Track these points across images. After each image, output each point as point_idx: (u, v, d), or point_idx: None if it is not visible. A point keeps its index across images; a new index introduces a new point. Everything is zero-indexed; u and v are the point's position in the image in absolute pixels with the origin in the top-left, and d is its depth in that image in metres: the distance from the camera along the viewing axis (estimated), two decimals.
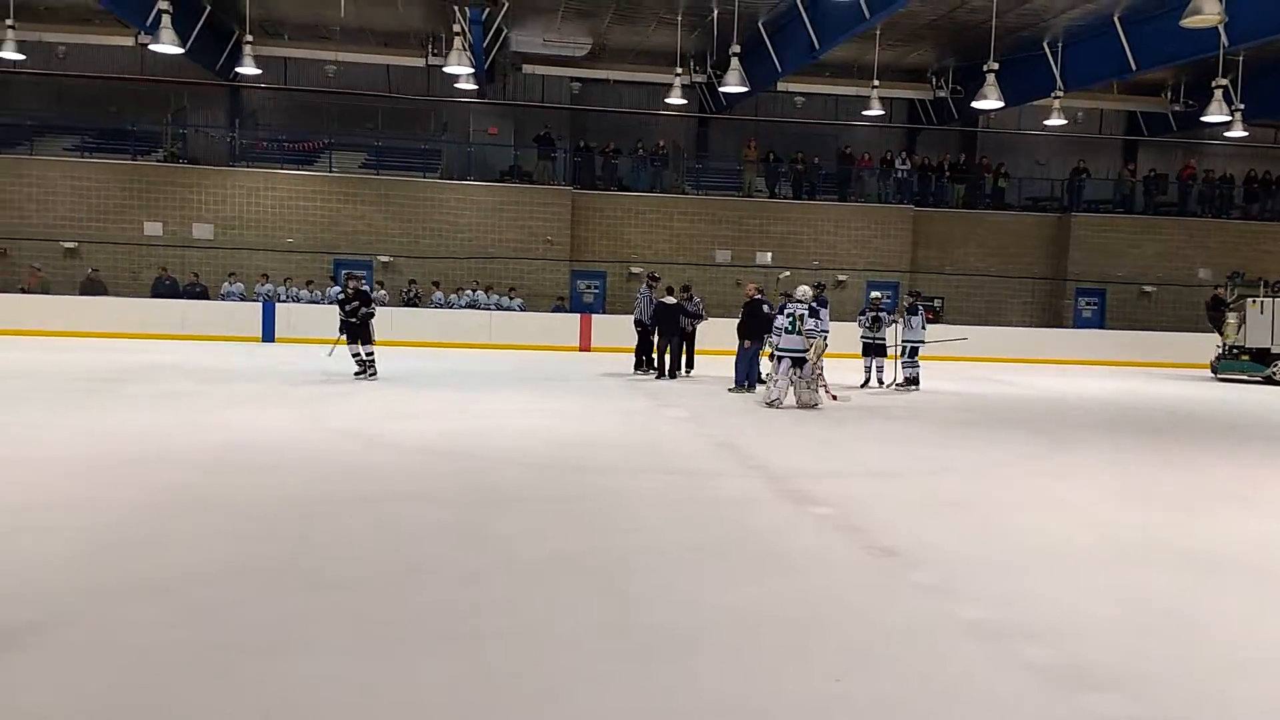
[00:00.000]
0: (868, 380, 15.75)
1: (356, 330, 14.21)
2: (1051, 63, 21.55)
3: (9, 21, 18.24)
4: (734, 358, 14.58)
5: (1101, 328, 26.17)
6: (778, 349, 12.73)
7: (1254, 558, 5.93)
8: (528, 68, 25.55)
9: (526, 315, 23.24)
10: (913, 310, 15.94)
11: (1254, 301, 19.64)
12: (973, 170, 27.89)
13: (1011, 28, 20.58)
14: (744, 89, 19.08)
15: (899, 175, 27.16)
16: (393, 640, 4.04)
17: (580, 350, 22.08)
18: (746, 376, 14.30)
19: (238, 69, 22.08)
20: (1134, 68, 19.98)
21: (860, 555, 5.65)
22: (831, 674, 3.86)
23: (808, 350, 12.51)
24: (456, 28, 18.31)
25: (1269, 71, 21.81)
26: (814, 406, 12.50)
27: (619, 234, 25.62)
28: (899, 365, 15.77)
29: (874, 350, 15.80)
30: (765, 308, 15.07)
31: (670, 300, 15.72)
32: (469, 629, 4.25)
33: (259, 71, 21.39)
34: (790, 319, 12.56)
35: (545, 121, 26.58)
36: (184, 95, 25.96)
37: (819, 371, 12.74)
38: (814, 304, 13.03)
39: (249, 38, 19.95)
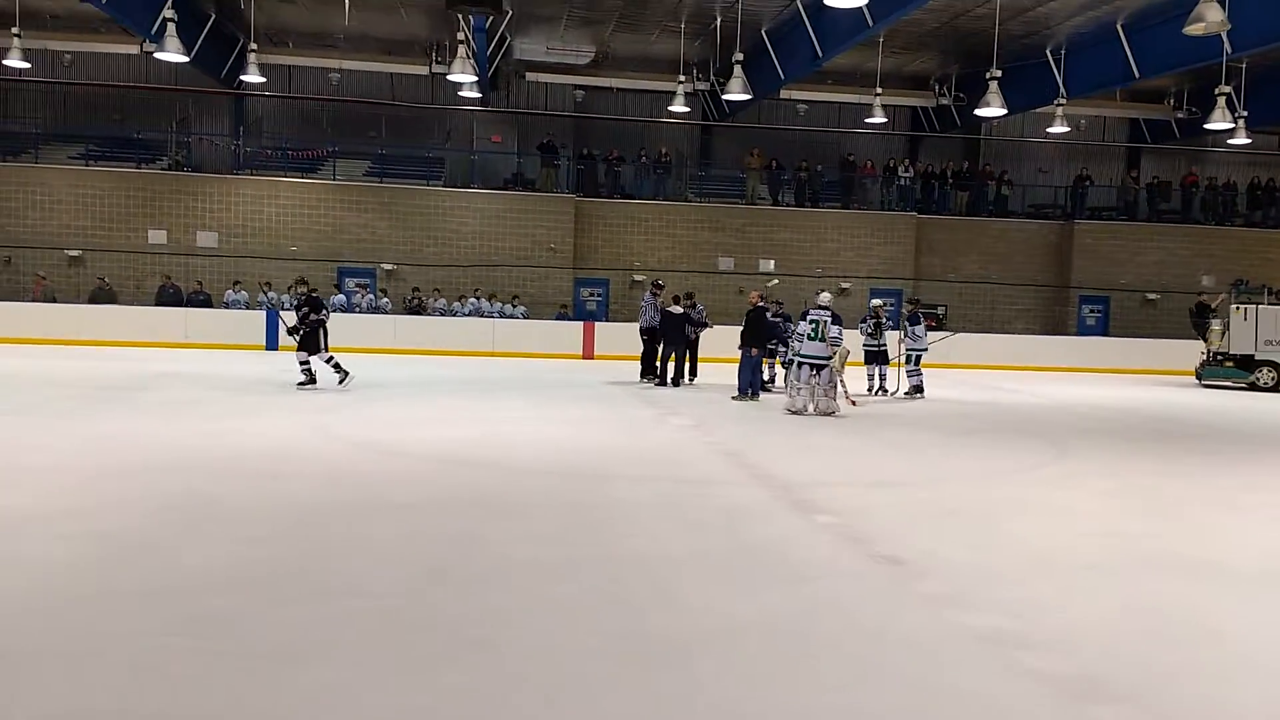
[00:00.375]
0: (871, 387, 15.75)
1: (305, 338, 13.65)
2: (1054, 70, 21.57)
3: (15, 30, 18.32)
4: (736, 365, 14.58)
5: (1105, 335, 26.13)
6: (799, 355, 12.79)
7: (1260, 565, 5.92)
8: (531, 75, 25.63)
9: (530, 323, 23.26)
10: (913, 319, 15.99)
11: (1238, 309, 19.75)
12: (976, 177, 27.90)
13: (1014, 35, 20.60)
14: (747, 96, 19.10)
15: (902, 182, 27.16)
16: (401, 647, 4.05)
17: (583, 358, 22.08)
18: (750, 384, 14.29)
19: (242, 77, 22.18)
20: (1137, 75, 19.99)
21: (865, 564, 5.64)
22: (836, 683, 3.86)
23: (831, 357, 12.55)
24: (460, 36, 18.36)
25: (1272, 78, 21.82)
26: (832, 414, 12.55)
27: (622, 241, 25.64)
28: (902, 373, 15.80)
29: (876, 357, 15.81)
30: (769, 315, 15.13)
31: (676, 309, 15.74)
32: (476, 636, 4.25)
33: (263, 80, 21.47)
34: (814, 325, 12.63)
35: (549, 129, 26.63)
36: (189, 103, 26.07)
37: (840, 378, 12.78)
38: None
39: (254, 46, 20.02)
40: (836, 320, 12.80)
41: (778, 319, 15.82)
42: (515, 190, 25.56)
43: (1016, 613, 4.81)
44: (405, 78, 25.62)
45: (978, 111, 18.82)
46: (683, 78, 21.90)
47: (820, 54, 19.43)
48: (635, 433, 10.93)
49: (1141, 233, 27.07)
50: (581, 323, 23.14)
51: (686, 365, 16.11)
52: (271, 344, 21.23)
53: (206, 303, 22.59)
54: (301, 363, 13.64)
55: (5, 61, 18.83)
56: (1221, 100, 18.32)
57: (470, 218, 24.74)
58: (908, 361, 15.79)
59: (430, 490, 7.34)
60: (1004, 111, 18.40)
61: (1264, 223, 27.74)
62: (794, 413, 12.61)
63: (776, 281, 19.05)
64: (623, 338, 20.19)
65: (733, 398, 14.22)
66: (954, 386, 17.52)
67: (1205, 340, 20.45)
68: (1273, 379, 19.26)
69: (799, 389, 12.76)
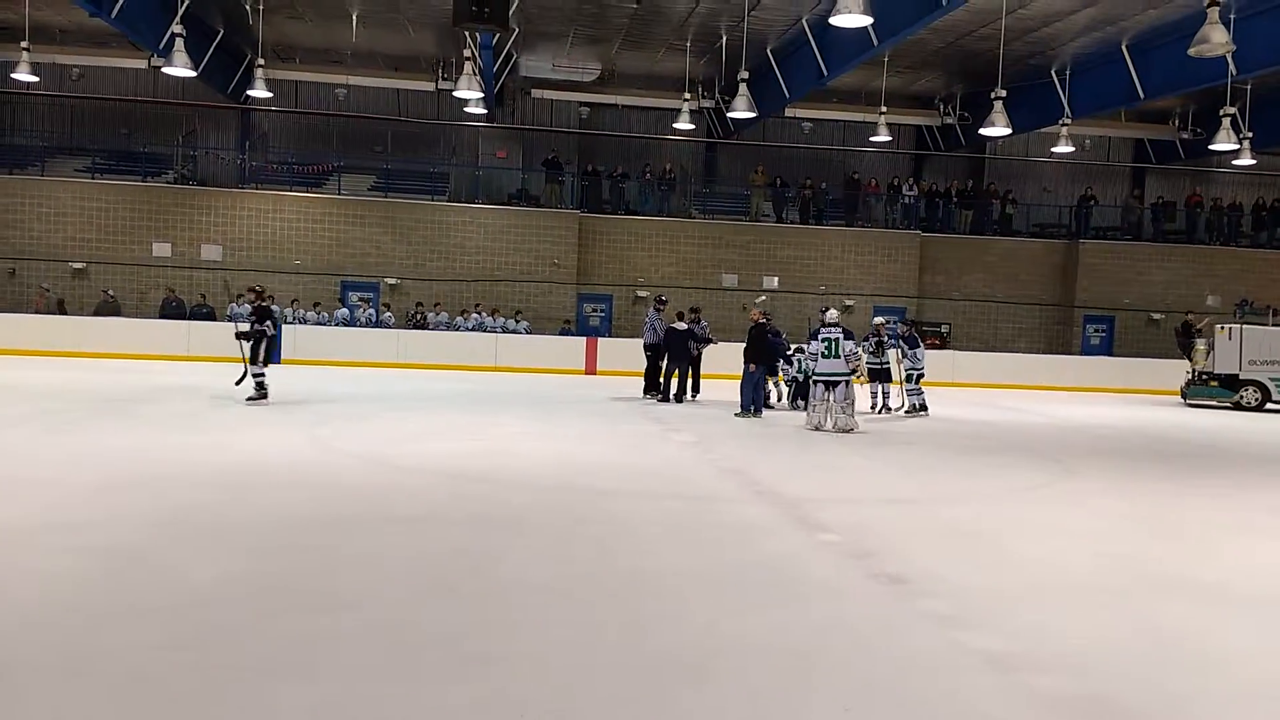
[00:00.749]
0: (874, 405, 15.73)
1: (253, 348, 13.32)
2: (1059, 90, 21.62)
3: (23, 43, 18.44)
4: (739, 382, 14.57)
5: (1110, 355, 26.07)
6: (815, 373, 13.11)
7: (1265, 587, 5.87)
8: (537, 92, 25.71)
9: (532, 338, 23.26)
10: (911, 340, 16.05)
11: (1222, 328, 19.91)
12: (980, 196, 27.93)
13: (1019, 55, 20.64)
14: (752, 114, 19.16)
15: (906, 201, 27.20)
16: (404, 663, 4.01)
17: (586, 373, 22.06)
18: (753, 401, 14.27)
19: (249, 92, 22.31)
20: (1142, 95, 20.02)
21: (869, 583, 5.60)
22: (840, 703, 3.81)
23: (851, 373, 12.87)
24: (467, 52, 18.45)
25: (1277, 100, 21.84)
26: (849, 431, 12.71)
27: (626, 257, 25.67)
28: (904, 392, 15.83)
29: (879, 375, 15.82)
30: (771, 333, 15.12)
31: (681, 326, 15.74)
32: (479, 653, 4.21)
33: (270, 94, 21.55)
34: (827, 343, 12.88)
35: (553, 145, 26.72)
36: (195, 118, 26.18)
37: (853, 397, 13.05)
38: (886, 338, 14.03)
39: (261, 61, 20.13)
40: (849, 336, 13.11)
41: (780, 338, 15.84)
42: (520, 206, 25.62)
43: (1021, 633, 4.76)
44: (411, 93, 25.73)
45: (982, 131, 18.81)
46: (688, 95, 21.97)
47: (825, 72, 19.49)
48: (638, 449, 10.90)
49: (1146, 253, 27.07)
50: (584, 338, 23.13)
51: (689, 381, 16.09)
52: (274, 357, 21.18)
53: (209, 316, 22.61)
54: (255, 375, 13.32)
55: (14, 75, 18.98)
56: (1226, 121, 18.33)
57: (475, 233, 24.79)
58: (908, 380, 15.83)
59: (431, 505, 7.30)
60: (1009, 131, 18.41)
61: (1269, 243, 27.74)
62: (814, 429, 12.83)
63: (765, 298, 19.15)
64: (626, 353, 20.18)
65: (735, 414, 14.20)
66: (957, 405, 17.47)
67: (1190, 360, 20.64)
68: (1257, 399, 19.41)
69: (815, 406, 13.04)
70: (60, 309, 22.54)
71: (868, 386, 15.86)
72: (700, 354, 16.17)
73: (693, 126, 23.27)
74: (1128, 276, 26.69)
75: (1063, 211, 28.34)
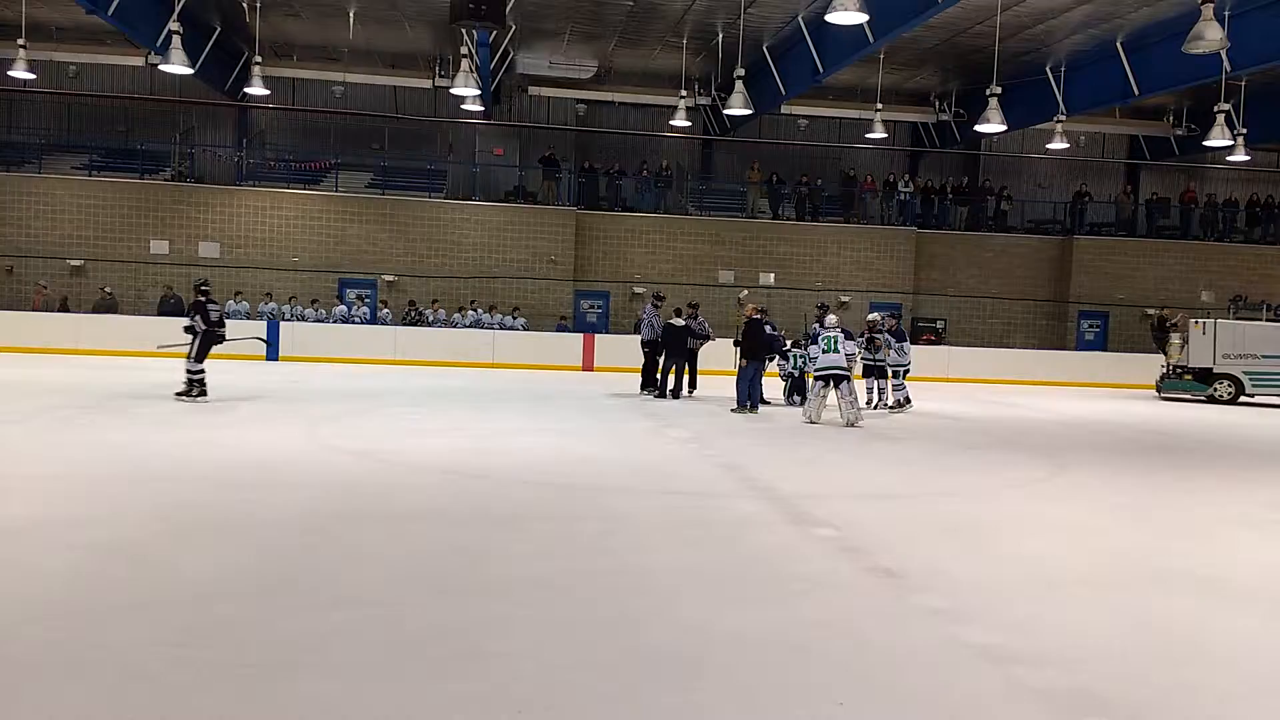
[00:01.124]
0: (870, 401, 15.80)
1: (198, 344, 13.01)
2: (1054, 87, 21.67)
3: (20, 41, 18.41)
4: (735, 378, 14.66)
5: (1104, 350, 26.18)
6: (817, 369, 13.54)
7: (1257, 581, 5.94)
8: (534, 89, 25.72)
9: (530, 335, 23.31)
10: (898, 335, 16.24)
11: (1196, 323, 20.19)
12: (975, 193, 27.99)
13: (1014, 52, 20.70)
14: (748, 111, 19.20)
15: (902, 197, 27.25)
16: (402, 659, 4.07)
17: (583, 370, 22.12)
18: (749, 397, 14.34)
19: (246, 89, 22.30)
20: (1136, 92, 20.08)
21: (864, 578, 5.67)
22: (837, 698, 3.88)
23: (849, 369, 13.42)
24: (464, 50, 18.47)
25: (1271, 96, 21.92)
26: (855, 424, 13.09)
27: (623, 254, 25.72)
28: (889, 386, 15.98)
29: (873, 371, 15.93)
30: (768, 328, 15.20)
31: (679, 322, 15.81)
32: (475, 648, 4.27)
33: (267, 92, 21.54)
34: (827, 341, 13.38)
35: (550, 142, 26.74)
36: (192, 115, 26.18)
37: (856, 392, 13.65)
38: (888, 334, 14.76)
39: (258, 59, 20.12)
40: (850, 337, 13.77)
41: (777, 332, 15.93)
42: (517, 203, 25.64)
43: (1016, 627, 4.83)
44: (408, 91, 25.75)
45: (978, 127, 18.90)
46: (684, 92, 22.00)
47: (821, 70, 19.53)
48: (635, 445, 10.96)
49: (1140, 249, 27.14)
50: (581, 335, 23.19)
51: (686, 378, 16.15)
52: (272, 355, 21.26)
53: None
54: (189, 370, 13.02)
55: (11, 72, 18.94)
56: (1221, 118, 18.40)
57: (471, 230, 24.81)
58: (894, 376, 15.95)
59: (429, 501, 7.36)
60: (1004, 128, 18.49)
61: (1262, 239, 27.82)
62: (811, 422, 13.23)
63: (748, 292, 19.29)
64: (623, 350, 20.23)
65: (732, 410, 14.27)
66: (953, 400, 17.55)
67: (1165, 354, 20.89)
68: (1230, 392, 19.63)
69: (812, 400, 13.52)
70: (64, 307, 22.56)
71: (863, 383, 15.94)
72: (697, 350, 16.23)
73: (689, 123, 23.30)
74: (1122, 272, 26.78)
75: (1057, 208, 28.42)
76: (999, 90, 17.55)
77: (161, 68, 18.64)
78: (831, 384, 13.24)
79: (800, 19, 19.22)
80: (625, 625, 4.67)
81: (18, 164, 24.18)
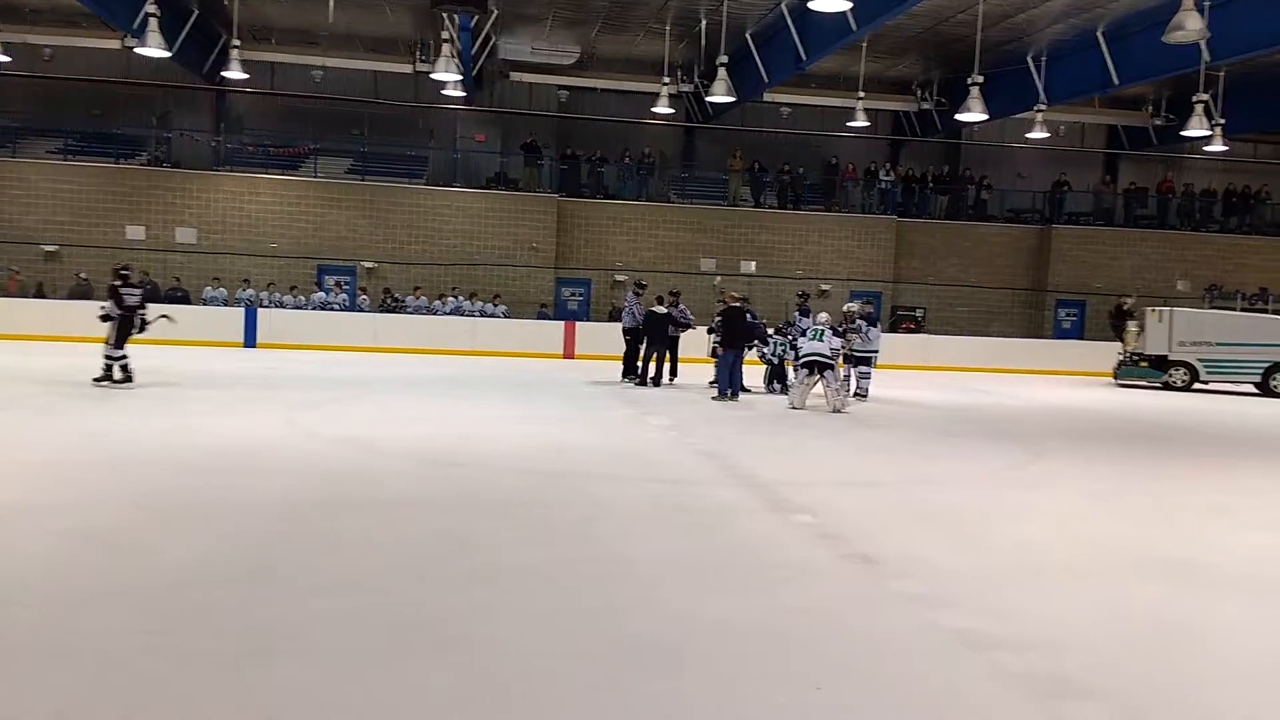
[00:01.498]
0: (852, 389, 15.81)
1: (115, 330, 12.78)
2: (1035, 76, 21.74)
3: None
4: (715, 365, 14.69)
5: (1080, 338, 26.38)
6: (803, 356, 13.66)
7: (1234, 567, 6.00)
8: (515, 75, 25.57)
9: (510, 322, 23.25)
10: (870, 320, 16.21)
11: (1153, 311, 20.44)
12: (956, 182, 28.10)
13: (996, 42, 20.75)
14: (731, 99, 19.16)
15: (883, 186, 27.33)
16: (385, 646, 4.06)
17: (564, 357, 22.09)
18: (730, 384, 14.36)
19: (224, 73, 22.05)
20: (1116, 82, 20.19)
21: (843, 565, 5.69)
22: (816, 684, 3.90)
23: (834, 357, 13.64)
24: (445, 34, 18.34)
25: (1249, 87, 22.07)
26: (841, 411, 13.29)
27: (604, 242, 25.67)
28: (853, 374, 15.96)
29: (853, 359, 15.89)
30: (749, 316, 15.22)
31: (660, 309, 15.80)
32: (456, 636, 4.27)
33: (245, 76, 21.32)
34: (814, 333, 13.60)
35: (532, 129, 26.61)
36: (169, 99, 25.87)
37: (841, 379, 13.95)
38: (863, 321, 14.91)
39: (236, 42, 19.89)
40: (837, 333, 13.95)
41: (758, 320, 15.94)
42: (498, 190, 25.53)
43: (996, 613, 4.86)
44: (389, 76, 25.53)
45: (959, 116, 18.93)
46: (667, 79, 21.93)
47: (804, 57, 19.51)
48: (615, 433, 10.97)
49: (1118, 238, 27.35)
50: (563, 322, 23.14)
51: (667, 365, 16.16)
52: (249, 341, 21.12)
53: (184, 299, 22.43)
54: (119, 357, 12.87)
55: None
56: (1199, 108, 18.51)
57: (452, 216, 24.69)
58: (862, 364, 15.92)
59: (410, 489, 7.34)
60: (985, 117, 18.52)
61: (1239, 229, 28.07)
62: (795, 408, 13.39)
63: (721, 279, 19.35)
64: (604, 337, 20.21)
65: (713, 398, 14.29)
66: (932, 388, 17.63)
67: (1122, 341, 21.12)
68: (1185, 379, 19.88)
69: (795, 386, 13.74)
70: (39, 293, 22.29)
71: (842, 370, 15.98)
72: (679, 338, 16.23)
73: (671, 111, 23.23)
74: (1100, 261, 26.97)
75: (1037, 197, 28.55)
76: (980, 79, 17.58)
77: (138, 50, 18.40)
78: (816, 371, 13.31)
79: (784, 6, 19.18)
80: (607, 612, 4.68)
81: None
